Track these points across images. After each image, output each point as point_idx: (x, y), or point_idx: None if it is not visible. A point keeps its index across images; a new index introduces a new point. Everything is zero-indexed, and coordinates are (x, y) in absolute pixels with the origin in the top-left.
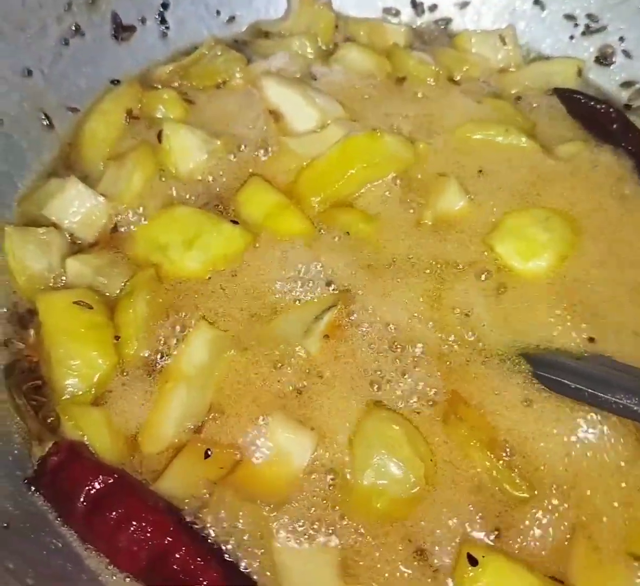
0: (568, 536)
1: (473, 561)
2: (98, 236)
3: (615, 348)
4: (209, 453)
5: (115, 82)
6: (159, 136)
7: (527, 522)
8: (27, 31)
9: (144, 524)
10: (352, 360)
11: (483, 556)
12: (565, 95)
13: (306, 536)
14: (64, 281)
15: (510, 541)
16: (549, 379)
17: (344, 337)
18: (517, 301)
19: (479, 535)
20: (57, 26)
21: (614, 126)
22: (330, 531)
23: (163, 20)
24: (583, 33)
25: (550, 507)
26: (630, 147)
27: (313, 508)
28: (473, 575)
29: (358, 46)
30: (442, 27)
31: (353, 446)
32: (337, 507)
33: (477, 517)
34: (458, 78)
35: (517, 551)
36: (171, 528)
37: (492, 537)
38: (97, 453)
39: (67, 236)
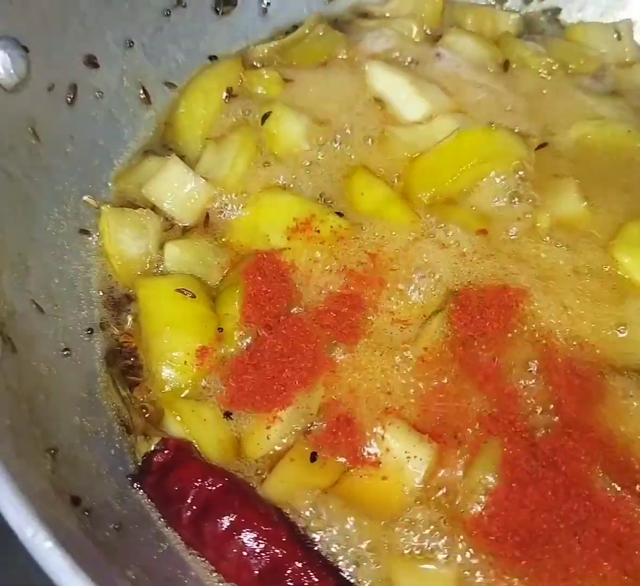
0: None
1: None
2: (197, 220)
3: None
4: (316, 456)
5: (213, 58)
6: (264, 118)
7: None
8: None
9: (257, 533)
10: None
11: None
12: None
13: (420, 554)
14: (161, 267)
15: None
16: None
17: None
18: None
19: None
20: None
21: None
22: (446, 550)
23: None
24: None
25: None
26: None
27: (428, 526)
28: None
29: (469, 33)
30: (550, 15)
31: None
32: (451, 525)
33: None
34: (572, 72)
35: None
36: (284, 539)
37: None
38: (203, 453)
39: (166, 219)
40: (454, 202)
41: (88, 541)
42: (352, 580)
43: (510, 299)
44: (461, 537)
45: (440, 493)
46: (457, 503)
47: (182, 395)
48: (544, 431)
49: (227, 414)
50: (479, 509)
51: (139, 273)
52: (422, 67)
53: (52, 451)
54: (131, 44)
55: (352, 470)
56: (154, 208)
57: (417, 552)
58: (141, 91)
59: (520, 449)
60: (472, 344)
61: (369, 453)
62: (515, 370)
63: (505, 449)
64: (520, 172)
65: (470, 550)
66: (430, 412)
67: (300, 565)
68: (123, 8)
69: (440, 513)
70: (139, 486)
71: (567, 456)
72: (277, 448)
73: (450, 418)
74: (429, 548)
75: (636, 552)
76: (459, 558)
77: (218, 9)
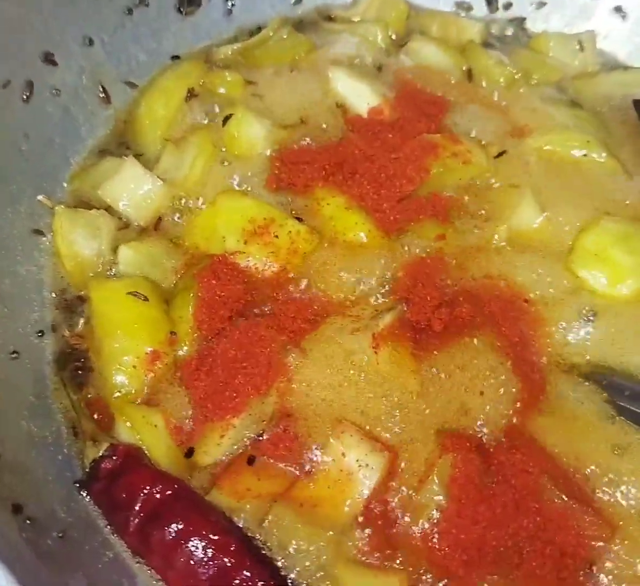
0: None
1: None
2: (153, 221)
3: None
4: (254, 460)
5: (175, 58)
6: (225, 120)
7: None
8: None
9: (206, 542)
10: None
11: None
12: None
13: (369, 564)
14: (115, 269)
15: None
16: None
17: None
18: (606, 326)
19: None
20: None
21: None
22: (395, 562)
23: None
24: None
25: None
26: None
27: (378, 537)
28: None
29: (434, 40)
30: (516, 24)
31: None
32: (401, 538)
33: None
34: (535, 82)
35: None
36: (233, 548)
37: None
38: (153, 459)
39: (121, 220)
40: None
41: (29, 550)
42: None
43: (465, 300)
44: (409, 551)
45: (391, 504)
46: (407, 516)
47: (136, 401)
48: (494, 444)
49: None
50: (429, 525)
51: (91, 275)
52: (385, 74)
53: None
54: (91, 42)
55: (303, 478)
56: (109, 209)
57: (366, 562)
58: (100, 90)
59: (472, 466)
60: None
61: (319, 461)
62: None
63: (458, 466)
64: (475, 183)
65: (420, 564)
66: (385, 422)
67: (247, 574)
68: (84, 6)
69: (390, 525)
70: (86, 492)
71: (516, 469)
72: (228, 455)
73: (406, 431)
74: (377, 558)
75: (579, 561)
76: (408, 570)
77: (182, 9)
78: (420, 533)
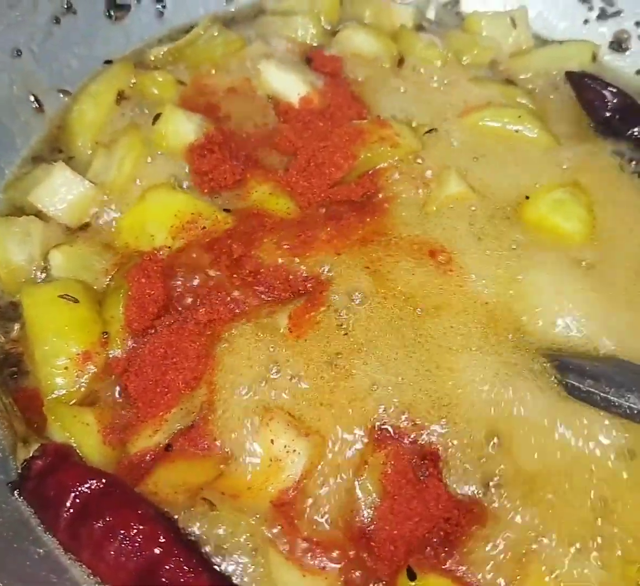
0: None
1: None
2: (85, 224)
3: None
4: (171, 448)
5: (108, 62)
6: (155, 119)
7: None
8: (17, 8)
9: (133, 533)
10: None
11: None
12: (576, 80)
13: (301, 560)
14: (47, 273)
15: None
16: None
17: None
18: None
19: None
20: (48, 3)
21: (621, 115)
22: (329, 554)
23: None
24: (598, 17)
25: None
26: (635, 134)
27: (309, 526)
28: None
29: (364, 28)
30: (450, 8)
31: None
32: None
33: None
34: (467, 62)
35: None
36: (162, 538)
37: None
38: (84, 456)
39: (54, 224)
40: None
41: None
42: (233, 578)
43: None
44: (340, 537)
45: (319, 493)
46: (337, 509)
47: (70, 402)
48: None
49: None
50: (361, 521)
51: (23, 280)
52: (315, 64)
53: None
54: (19, 53)
55: (230, 466)
56: (40, 214)
57: (295, 555)
58: (33, 99)
59: (404, 461)
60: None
61: (248, 449)
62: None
63: (389, 462)
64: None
65: (351, 554)
66: (314, 411)
67: (175, 562)
68: (9, 17)
69: (325, 513)
70: (18, 493)
71: None
72: (159, 446)
73: (340, 421)
74: (312, 547)
75: None
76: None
77: (111, 14)
78: (353, 528)
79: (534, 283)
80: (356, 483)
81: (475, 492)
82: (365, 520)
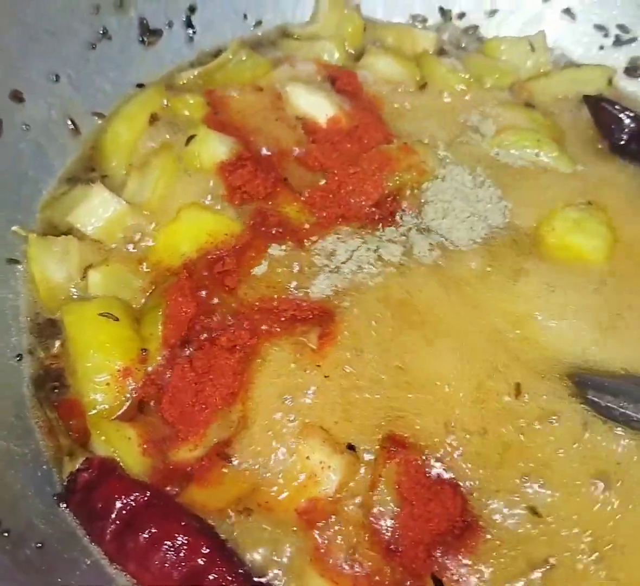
0: None
1: None
2: (122, 243)
3: None
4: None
5: (140, 86)
6: (189, 140)
7: None
8: (57, 34)
9: (178, 544)
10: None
11: None
12: (593, 103)
13: (339, 566)
14: (86, 292)
15: None
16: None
17: None
18: None
19: None
20: (85, 29)
21: (637, 138)
22: (359, 563)
23: (190, 25)
24: (614, 43)
25: None
26: None
27: (343, 537)
28: None
29: (387, 53)
30: (471, 33)
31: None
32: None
33: None
34: (489, 86)
35: None
36: (205, 549)
37: None
38: (127, 468)
39: (91, 242)
40: None
41: (4, 559)
42: None
43: None
44: (367, 549)
45: (352, 505)
46: (368, 516)
47: (112, 417)
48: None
49: None
50: (386, 523)
51: (63, 298)
52: (341, 87)
53: None
54: (57, 78)
55: (266, 480)
56: (78, 234)
57: (330, 565)
58: (69, 122)
59: (416, 467)
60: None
61: (285, 463)
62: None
63: (402, 470)
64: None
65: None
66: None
67: (218, 572)
68: (48, 42)
69: (352, 525)
70: (65, 505)
71: None
72: (199, 460)
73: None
74: (344, 560)
75: None
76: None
77: (144, 39)
78: (378, 538)
79: (556, 306)
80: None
81: None
82: (388, 530)
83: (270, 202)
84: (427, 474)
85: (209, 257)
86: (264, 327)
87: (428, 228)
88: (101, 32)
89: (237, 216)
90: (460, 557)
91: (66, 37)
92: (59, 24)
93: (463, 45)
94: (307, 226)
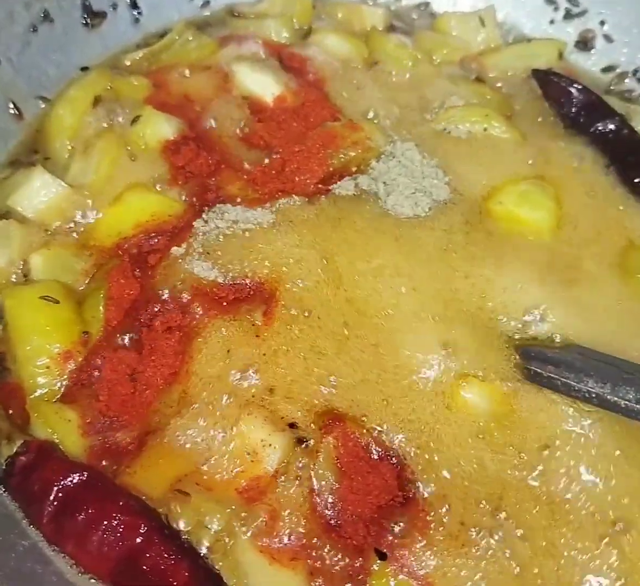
0: None
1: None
2: (64, 226)
3: None
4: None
5: (85, 69)
6: (134, 121)
7: None
8: None
9: (114, 524)
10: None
11: None
12: (542, 77)
13: (273, 542)
14: (29, 276)
15: None
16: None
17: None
18: None
19: None
20: (25, 13)
21: (586, 111)
22: (295, 539)
23: (135, 6)
24: (564, 17)
25: None
26: (599, 129)
27: (281, 514)
28: None
29: (335, 30)
30: (423, 9)
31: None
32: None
33: None
34: (438, 61)
35: None
36: (143, 528)
37: None
38: (67, 451)
39: (33, 226)
40: None
41: None
42: (211, 564)
43: None
44: (306, 524)
45: (293, 482)
46: (308, 492)
47: (53, 399)
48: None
49: None
50: (323, 504)
51: (4, 282)
52: (288, 65)
53: None
54: None
55: (210, 458)
56: (17, 217)
57: (268, 542)
58: (12, 106)
59: (355, 441)
60: None
61: (225, 442)
62: None
63: (340, 444)
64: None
65: (320, 537)
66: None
67: (156, 551)
68: None
69: (292, 501)
70: (2, 488)
71: None
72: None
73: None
74: (280, 535)
75: None
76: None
77: (88, 21)
78: (318, 513)
79: (502, 277)
80: (311, 471)
81: None
82: (328, 505)
83: (213, 179)
84: (366, 448)
85: (145, 236)
86: (199, 309)
87: None
88: (42, 15)
89: (180, 196)
90: (402, 530)
91: (6, 21)
92: None
93: (414, 22)
94: (245, 203)
